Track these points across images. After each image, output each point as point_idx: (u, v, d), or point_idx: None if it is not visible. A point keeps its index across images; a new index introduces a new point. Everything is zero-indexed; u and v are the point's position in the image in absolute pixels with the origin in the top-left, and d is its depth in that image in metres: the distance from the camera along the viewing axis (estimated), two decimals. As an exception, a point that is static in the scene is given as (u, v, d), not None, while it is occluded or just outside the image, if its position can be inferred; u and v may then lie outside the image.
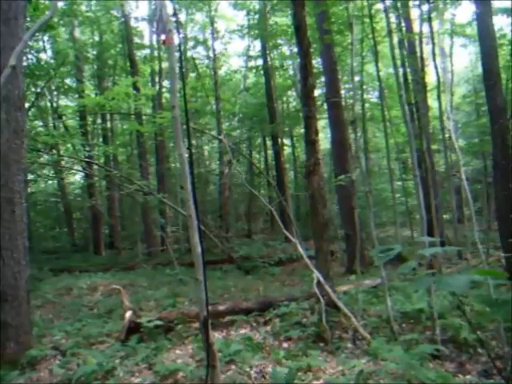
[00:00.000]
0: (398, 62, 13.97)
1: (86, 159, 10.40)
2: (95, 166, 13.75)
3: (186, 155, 3.15)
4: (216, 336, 4.92)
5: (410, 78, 12.54)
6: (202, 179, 20.31)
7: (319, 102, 14.01)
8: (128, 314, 4.83)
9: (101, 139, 18.76)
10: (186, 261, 12.46)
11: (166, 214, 14.37)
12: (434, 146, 14.23)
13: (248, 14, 17.96)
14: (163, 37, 2.91)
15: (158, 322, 4.76)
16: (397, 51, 14.91)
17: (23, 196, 4.56)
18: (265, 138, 21.09)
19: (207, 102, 19.66)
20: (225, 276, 9.63)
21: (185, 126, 3.61)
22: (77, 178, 20.64)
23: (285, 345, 4.61)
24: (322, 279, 4.95)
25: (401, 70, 13.81)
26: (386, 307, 4.58)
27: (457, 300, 4.36)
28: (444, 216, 13.92)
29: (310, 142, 5.42)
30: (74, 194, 22.94)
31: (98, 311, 7.22)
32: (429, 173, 8.58)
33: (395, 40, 14.73)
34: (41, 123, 17.33)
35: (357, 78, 18.59)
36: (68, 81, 17.57)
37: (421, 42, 13.06)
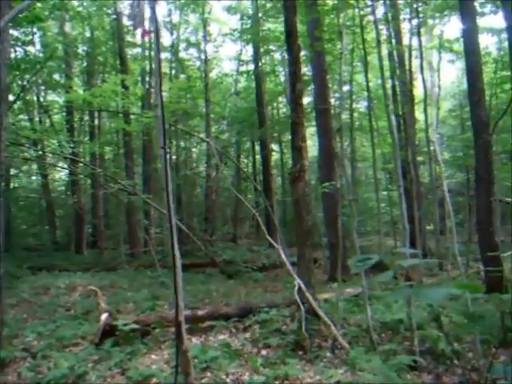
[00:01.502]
0: (387, 74, 14.20)
1: (70, 156, 10.19)
2: (80, 164, 13.55)
3: (168, 156, 3.09)
4: (194, 341, 4.84)
5: (398, 89, 12.73)
6: (189, 181, 20.19)
7: (308, 110, 14.07)
8: (104, 316, 4.72)
9: (87, 137, 18.51)
10: (169, 263, 12.34)
11: (151, 215, 14.21)
12: (419, 158, 14.41)
13: (242, 18, 18.04)
14: (140, 30, 2.86)
15: (134, 326, 4.65)
16: (386, 63, 15.11)
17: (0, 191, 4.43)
18: (254, 142, 21.08)
19: (196, 104, 19.59)
20: (207, 280, 9.53)
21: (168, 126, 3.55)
22: (61, 174, 20.30)
23: (263, 352, 4.55)
24: (303, 286, 4.91)
25: (389, 82, 14.05)
26: (365, 316, 4.56)
27: (435, 311, 4.38)
28: (427, 227, 14.07)
29: (297, 148, 5.40)
30: (58, 191, 22.58)
31: (74, 312, 7.06)
32: (413, 184, 8.65)
33: (385, 52, 14.97)
34: (26, 117, 16.98)
35: (346, 88, 18.76)
36: (57, 76, 17.31)
37: (410, 55, 13.28)
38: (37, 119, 17.69)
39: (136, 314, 6.37)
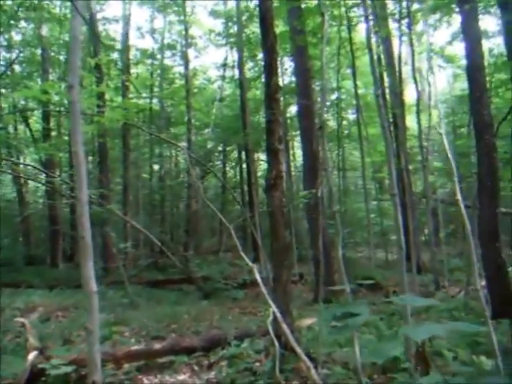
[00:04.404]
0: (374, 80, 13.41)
1: (30, 164, 9.30)
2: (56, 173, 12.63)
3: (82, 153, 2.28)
4: (145, 383, 3.98)
5: (387, 95, 12.16)
6: (174, 192, 19.35)
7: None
8: (31, 355, 3.83)
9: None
10: (143, 279, 11.42)
11: (127, 227, 13.31)
12: (410, 166, 13.79)
13: (226, 22, 17.43)
14: None
15: (67, 368, 3.77)
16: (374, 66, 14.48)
17: None
18: (240, 151, 20.37)
19: (180, 111, 18.89)
20: (180, 299, 8.64)
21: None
22: (34, 184, 19.36)
23: (229, 398, 3.71)
24: (278, 316, 4.07)
25: (373, 88, 13.37)
26: (353, 352, 3.74)
27: (437, 345, 3.57)
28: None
29: (273, 150, 4.63)
30: (36, 203, 21.58)
31: (23, 341, 6.13)
32: (406, 193, 7.91)
33: (373, 57, 14.41)
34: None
35: (335, 96, 17.97)
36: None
37: (399, 58, 12.76)
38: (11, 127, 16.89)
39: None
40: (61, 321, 7.65)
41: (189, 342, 4.64)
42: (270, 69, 4.72)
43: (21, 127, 18.63)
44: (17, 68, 16.85)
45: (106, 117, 6.15)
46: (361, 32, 14.11)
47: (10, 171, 9.64)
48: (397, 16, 11.84)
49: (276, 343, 3.79)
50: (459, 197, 2.81)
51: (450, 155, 2.95)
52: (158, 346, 4.49)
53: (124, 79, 12.34)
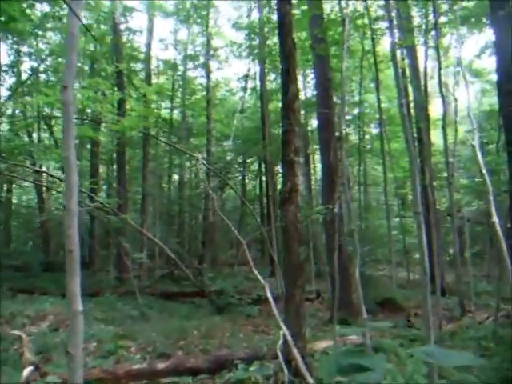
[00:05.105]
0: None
1: (39, 170, 9.33)
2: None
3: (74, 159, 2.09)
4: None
5: (412, 109, 11.81)
6: (193, 202, 19.28)
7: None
8: (26, 371, 3.64)
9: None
10: (157, 290, 11.24)
11: (144, 237, 13.21)
12: (435, 183, 13.29)
13: (248, 34, 17.44)
14: None
15: (62, 388, 3.56)
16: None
17: None
18: (261, 163, 20.22)
19: (201, 122, 18.91)
20: (192, 313, 8.39)
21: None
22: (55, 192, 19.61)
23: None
24: (289, 339, 3.79)
25: (397, 101, 13.00)
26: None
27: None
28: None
29: (288, 162, 4.39)
30: (58, 209, 21.88)
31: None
32: (431, 211, 7.51)
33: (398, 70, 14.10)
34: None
35: (356, 110, 17.61)
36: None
37: (425, 72, 12.42)
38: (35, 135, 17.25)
39: (94, 358, 5.30)
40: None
41: (194, 363, 4.37)
42: (288, 76, 4.50)
43: (46, 135, 18.98)
44: (43, 77, 17.23)
45: (122, 124, 6.05)
46: (384, 44, 13.86)
47: (27, 178, 9.69)
48: (423, 29, 11.54)
49: (285, 369, 3.49)
50: (495, 217, 2.49)
51: (483, 169, 2.65)
52: (161, 365, 4.24)
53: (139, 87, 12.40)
